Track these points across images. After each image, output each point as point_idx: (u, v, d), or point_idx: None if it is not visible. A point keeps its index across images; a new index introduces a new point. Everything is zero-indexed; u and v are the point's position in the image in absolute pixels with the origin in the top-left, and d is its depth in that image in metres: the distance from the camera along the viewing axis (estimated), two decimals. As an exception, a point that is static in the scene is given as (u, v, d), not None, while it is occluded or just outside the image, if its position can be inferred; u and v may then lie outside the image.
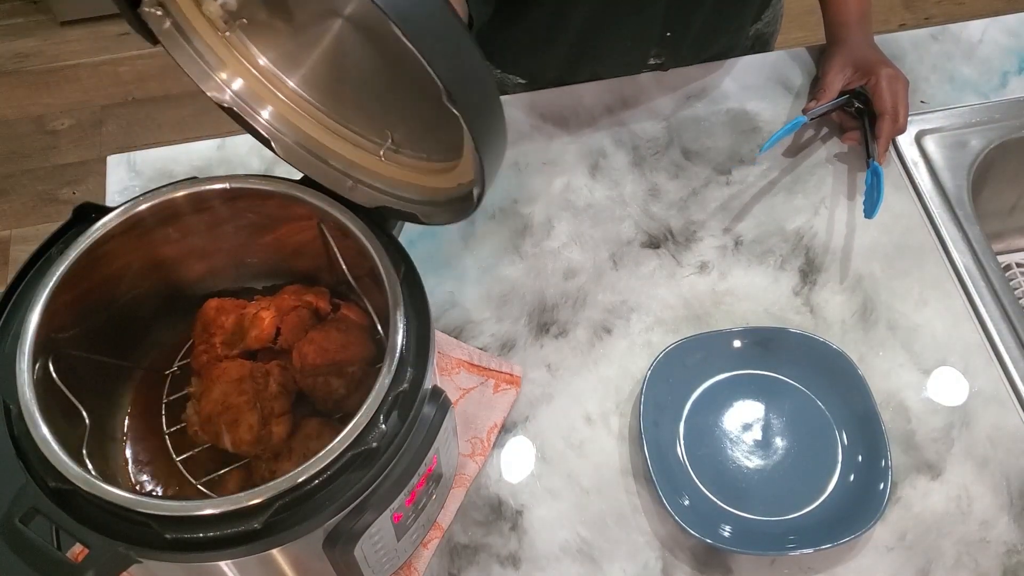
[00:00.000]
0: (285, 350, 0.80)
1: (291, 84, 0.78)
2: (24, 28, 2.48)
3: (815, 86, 1.10)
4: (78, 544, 0.59)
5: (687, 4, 1.05)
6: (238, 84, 0.78)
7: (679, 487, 0.84)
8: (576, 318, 0.96)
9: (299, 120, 0.79)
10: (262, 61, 0.77)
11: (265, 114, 0.79)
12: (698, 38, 1.11)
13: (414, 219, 0.75)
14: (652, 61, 1.14)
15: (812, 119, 1.04)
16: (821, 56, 1.12)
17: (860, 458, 0.86)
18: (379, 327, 0.77)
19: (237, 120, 0.79)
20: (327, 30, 0.71)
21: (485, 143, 0.59)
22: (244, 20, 0.74)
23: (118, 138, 2.27)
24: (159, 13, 0.72)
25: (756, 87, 1.14)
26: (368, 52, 0.70)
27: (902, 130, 1.04)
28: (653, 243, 1.01)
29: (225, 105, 0.78)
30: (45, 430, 0.62)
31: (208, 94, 0.78)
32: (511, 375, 0.91)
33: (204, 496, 0.76)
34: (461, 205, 0.71)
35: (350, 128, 0.78)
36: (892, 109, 1.02)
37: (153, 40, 0.74)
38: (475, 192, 0.65)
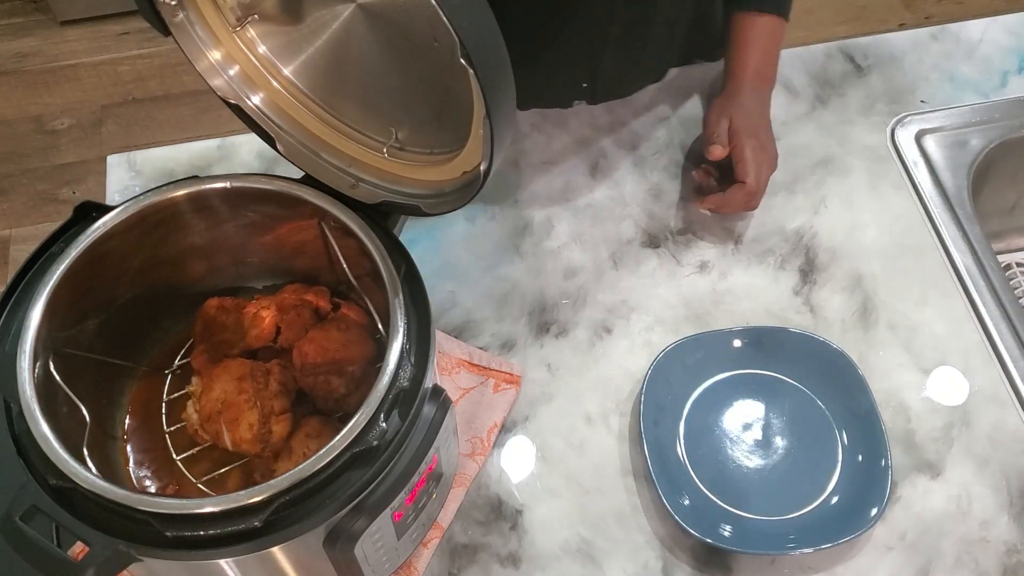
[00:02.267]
0: (285, 349, 0.80)
1: (297, 82, 0.78)
2: (24, 28, 2.48)
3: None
4: (78, 542, 0.59)
5: (593, 54, 1.01)
6: (245, 80, 0.78)
7: (679, 487, 0.84)
8: (576, 318, 0.96)
9: (304, 118, 0.79)
10: (270, 58, 0.78)
11: (270, 111, 0.79)
12: (617, 80, 1.09)
13: (417, 211, 0.75)
14: (575, 103, 1.11)
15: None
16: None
17: (860, 458, 0.86)
18: (380, 326, 0.77)
19: (241, 117, 0.79)
20: (335, 27, 0.71)
21: (496, 105, 0.59)
22: (255, 16, 0.74)
23: (118, 138, 2.27)
24: (173, 3, 0.72)
25: (756, 87, 1.14)
26: (374, 50, 0.70)
27: (753, 207, 0.99)
28: (653, 243, 1.01)
29: (230, 101, 0.78)
30: (46, 428, 0.62)
31: (214, 89, 0.78)
32: (511, 375, 0.91)
33: (204, 494, 0.76)
34: (464, 192, 0.71)
35: (354, 126, 0.78)
36: (752, 182, 0.96)
37: (165, 31, 0.74)
38: (483, 167, 0.64)
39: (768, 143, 1.00)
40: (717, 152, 0.98)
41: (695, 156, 1.06)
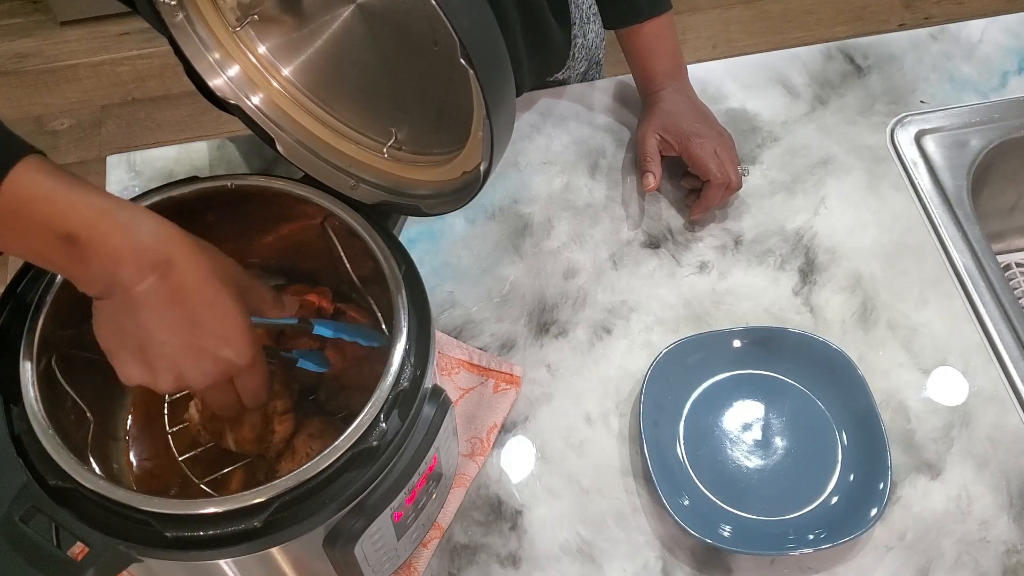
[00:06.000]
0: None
1: (297, 82, 0.78)
2: (24, 28, 2.48)
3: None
4: (78, 543, 0.59)
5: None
6: (244, 81, 0.78)
7: (679, 487, 0.84)
8: (576, 318, 0.96)
9: (303, 118, 0.79)
10: (269, 58, 0.78)
11: (269, 112, 0.79)
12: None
13: (417, 212, 0.75)
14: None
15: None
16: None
17: (860, 458, 0.86)
18: (383, 326, 0.77)
19: (240, 117, 0.79)
20: (335, 28, 0.71)
21: (495, 104, 0.59)
22: (255, 16, 0.74)
23: (118, 138, 2.27)
24: (173, 3, 0.72)
25: (756, 87, 1.14)
26: (374, 50, 0.71)
27: (735, 189, 1.00)
28: (653, 243, 1.01)
29: (230, 101, 0.78)
30: (48, 428, 0.62)
31: (213, 89, 0.78)
32: (511, 375, 0.91)
33: (207, 495, 0.76)
34: (464, 192, 0.71)
35: (354, 127, 0.78)
36: (716, 173, 0.97)
37: (166, 32, 0.74)
38: (483, 167, 0.65)
39: (709, 129, 1.01)
40: (649, 184, 1.00)
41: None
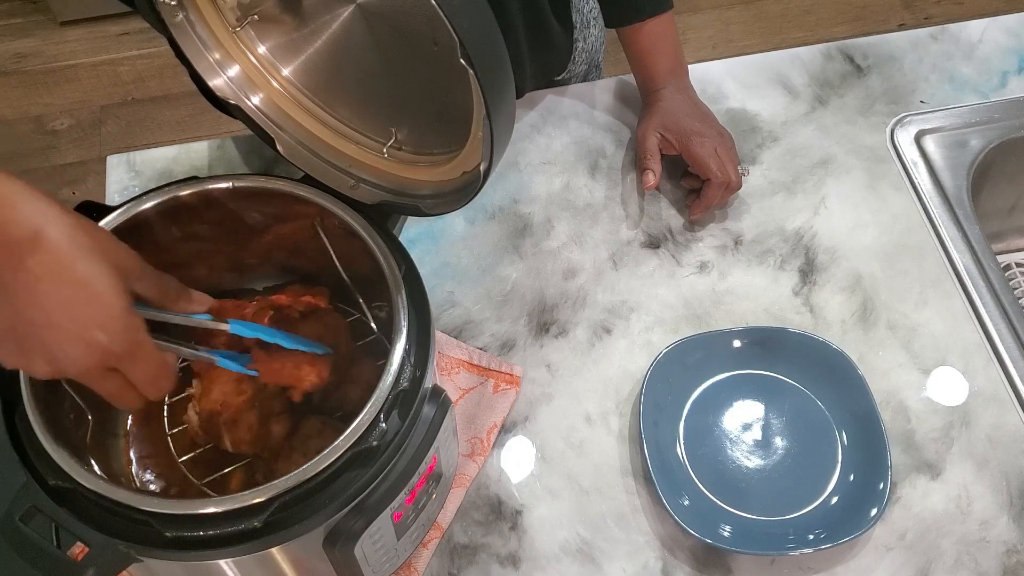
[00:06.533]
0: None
1: (297, 82, 0.78)
2: (23, 28, 2.48)
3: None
4: (78, 543, 0.59)
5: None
6: (244, 81, 0.78)
7: (679, 487, 0.84)
8: (576, 318, 0.96)
9: (303, 118, 0.79)
10: (269, 58, 0.78)
11: (269, 112, 0.79)
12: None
13: (416, 212, 0.75)
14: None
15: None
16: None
17: (860, 458, 0.86)
18: (373, 325, 0.77)
19: (240, 118, 0.79)
20: (335, 28, 0.71)
21: (495, 104, 0.59)
22: (255, 16, 0.74)
23: (118, 138, 2.27)
24: (173, 3, 0.72)
25: (756, 87, 1.14)
26: (374, 50, 0.71)
27: (735, 188, 1.00)
28: (653, 243, 1.01)
29: (230, 101, 0.78)
30: (47, 429, 0.62)
31: (213, 89, 0.78)
32: (511, 375, 0.91)
33: (206, 496, 0.76)
34: (464, 192, 0.71)
35: (353, 127, 0.78)
36: (716, 172, 0.97)
37: (166, 32, 0.74)
38: (483, 168, 0.65)
39: (709, 128, 1.01)
40: (649, 181, 1.00)
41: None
